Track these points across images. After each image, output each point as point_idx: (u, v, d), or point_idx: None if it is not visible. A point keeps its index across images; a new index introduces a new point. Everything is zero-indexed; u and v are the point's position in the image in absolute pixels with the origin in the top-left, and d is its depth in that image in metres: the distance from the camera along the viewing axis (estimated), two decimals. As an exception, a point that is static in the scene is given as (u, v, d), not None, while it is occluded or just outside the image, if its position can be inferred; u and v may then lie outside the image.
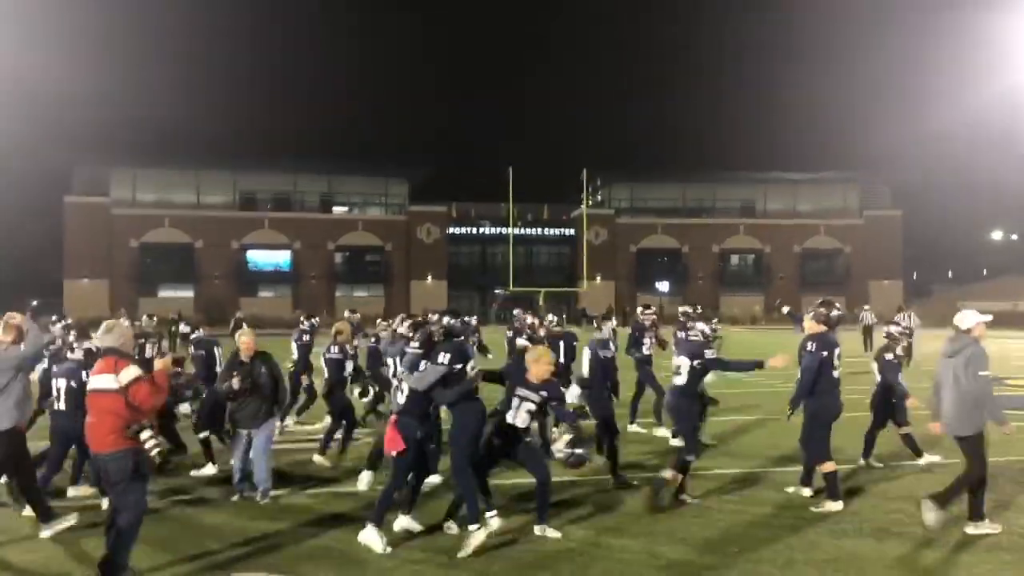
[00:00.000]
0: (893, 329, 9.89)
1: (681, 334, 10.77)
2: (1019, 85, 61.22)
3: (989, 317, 6.79)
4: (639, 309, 12.16)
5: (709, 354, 7.80)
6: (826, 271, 64.93)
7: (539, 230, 65.68)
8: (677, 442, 8.99)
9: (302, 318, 13.46)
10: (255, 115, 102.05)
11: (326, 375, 9.85)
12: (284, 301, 57.53)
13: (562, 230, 65.34)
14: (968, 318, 6.70)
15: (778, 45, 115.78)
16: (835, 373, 7.43)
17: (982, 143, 69.28)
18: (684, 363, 7.68)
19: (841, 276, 63.99)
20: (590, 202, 68.85)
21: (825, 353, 7.35)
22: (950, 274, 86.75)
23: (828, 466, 7.30)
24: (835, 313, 7.72)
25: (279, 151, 78.20)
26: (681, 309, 12.19)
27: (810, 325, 7.65)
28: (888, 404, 9.16)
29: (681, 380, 7.66)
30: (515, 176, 54.27)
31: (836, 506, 7.20)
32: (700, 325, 9.41)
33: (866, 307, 31.38)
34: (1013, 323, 43.80)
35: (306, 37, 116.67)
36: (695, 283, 62.93)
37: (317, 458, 9.28)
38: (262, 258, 60.30)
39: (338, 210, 62.77)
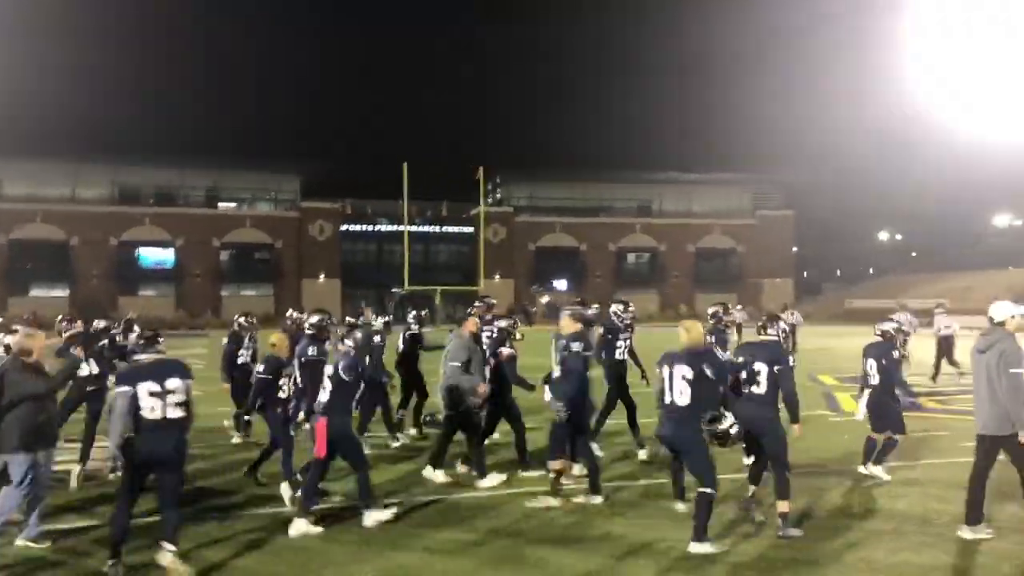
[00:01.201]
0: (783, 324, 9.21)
1: (710, 337, 8.87)
2: (907, 91, 65.20)
3: (1022, 309, 6.33)
4: (615, 307, 9.92)
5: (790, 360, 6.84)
6: (720, 270, 67.37)
7: (438, 228, 65.84)
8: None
9: (238, 318, 11.49)
10: (137, 105, 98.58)
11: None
12: (167, 300, 55.96)
13: (461, 228, 65.66)
14: (1002, 309, 6.27)
15: (674, 50, 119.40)
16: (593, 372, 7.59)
17: (871, 147, 73.41)
18: (763, 369, 6.64)
19: (735, 275, 66.53)
20: (490, 200, 69.64)
21: (589, 353, 7.35)
22: (839, 273, 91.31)
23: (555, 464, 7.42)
24: (592, 311, 7.96)
25: (163, 144, 76.04)
26: (711, 310, 9.83)
27: (567, 323, 7.55)
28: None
29: (760, 390, 6.63)
30: (414, 174, 54.38)
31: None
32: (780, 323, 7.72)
33: (739, 306, 33.27)
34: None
35: (190, 24, 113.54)
36: (593, 281, 64.28)
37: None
38: (143, 255, 58.53)
39: (225, 206, 61.37)
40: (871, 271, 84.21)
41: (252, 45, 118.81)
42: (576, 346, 7.49)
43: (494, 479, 8.23)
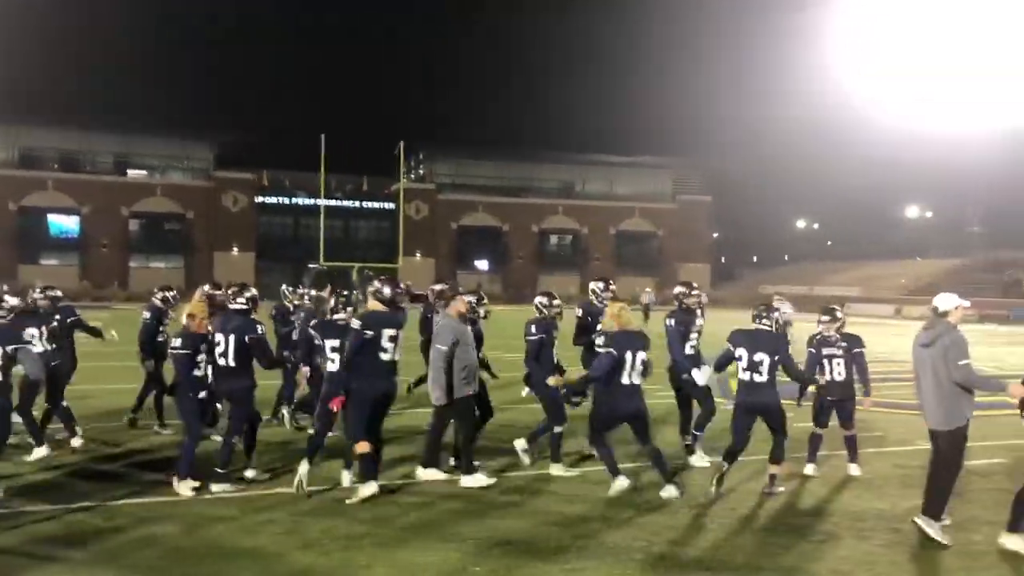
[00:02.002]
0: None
1: (670, 320, 8.53)
2: (828, 83, 67.41)
3: (967, 303, 6.38)
4: (596, 285, 8.95)
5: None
6: (640, 253, 68.72)
7: (358, 203, 65.29)
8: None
9: (162, 292, 10.33)
10: (40, 65, 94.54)
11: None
12: (70, 270, 54.22)
13: (382, 204, 65.26)
14: (946, 300, 6.23)
15: (600, 34, 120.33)
16: (384, 356, 7.06)
17: (792, 137, 75.45)
18: (765, 359, 7.04)
19: (654, 258, 67.95)
20: (413, 177, 69.41)
21: (371, 333, 6.97)
22: (755, 259, 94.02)
23: (363, 446, 6.87)
24: (387, 290, 7.19)
25: (70, 106, 73.29)
26: (677, 290, 8.89)
27: (372, 304, 7.31)
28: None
29: (763, 378, 7.06)
30: (334, 146, 53.97)
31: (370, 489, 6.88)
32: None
33: (648, 289, 34.19)
34: (809, 306, 48.60)
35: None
36: (515, 262, 64.88)
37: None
38: (45, 222, 56.58)
39: (134, 173, 59.68)
40: (786, 257, 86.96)
41: (168, 4, 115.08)
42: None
43: (481, 479, 7.39)
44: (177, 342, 7.33)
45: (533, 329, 7.95)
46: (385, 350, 7.07)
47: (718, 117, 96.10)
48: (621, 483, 7.04)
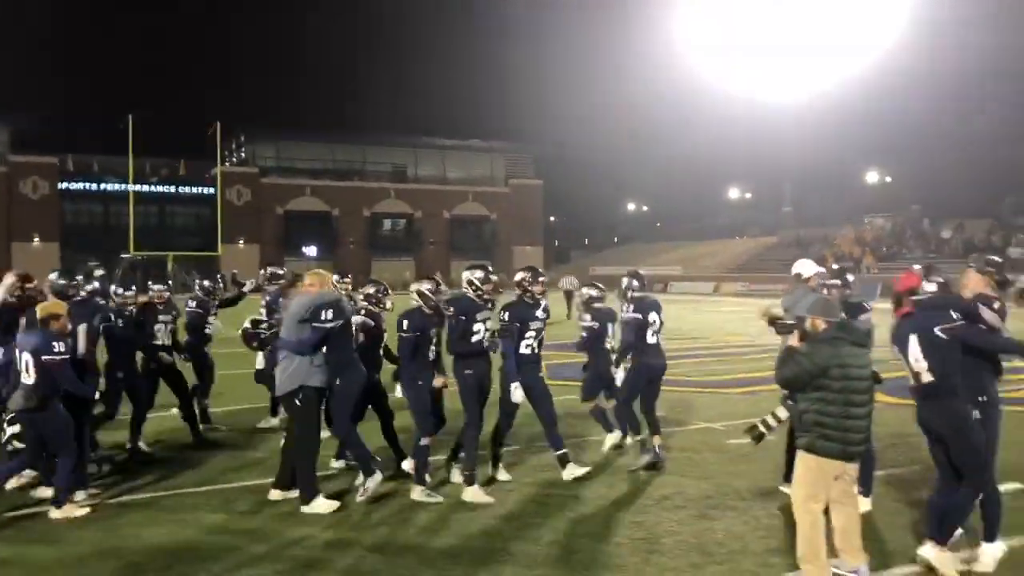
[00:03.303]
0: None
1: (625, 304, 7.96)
2: (657, 68, 70.27)
3: (822, 269, 6.96)
4: (474, 275, 7.23)
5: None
6: (475, 237, 69.46)
7: (174, 188, 62.61)
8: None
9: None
10: None
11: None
12: None
13: (201, 189, 62.86)
14: (807, 266, 6.85)
15: (431, 14, 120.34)
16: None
17: (622, 121, 78.29)
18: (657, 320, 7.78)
19: (488, 242, 68.88)
20: (235, 160, 67.29)
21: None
22: (587, 241, 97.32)
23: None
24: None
25: None
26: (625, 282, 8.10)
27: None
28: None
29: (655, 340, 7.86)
30: (148, 128, 51.46)
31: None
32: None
33: (569, 276, 34.74)
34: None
35: None
36: (345, 248, 64.19)
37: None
38: None
39: (-86, 159, 54.97)
40: (616, 240, 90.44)
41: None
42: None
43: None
44: (60, 347, 6.34)
45: (406, 324, 6.83)
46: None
47: (552, 100, 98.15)
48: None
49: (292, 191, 63.95)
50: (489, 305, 7.06)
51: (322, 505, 6.36)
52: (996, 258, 5.80)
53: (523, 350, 6.99)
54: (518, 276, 7.16)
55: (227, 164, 64.28)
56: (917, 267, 5.35)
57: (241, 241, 59.68)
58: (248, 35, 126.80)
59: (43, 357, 6.22)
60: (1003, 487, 6.68)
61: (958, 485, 5.00)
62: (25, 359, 6.27)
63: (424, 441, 6.78)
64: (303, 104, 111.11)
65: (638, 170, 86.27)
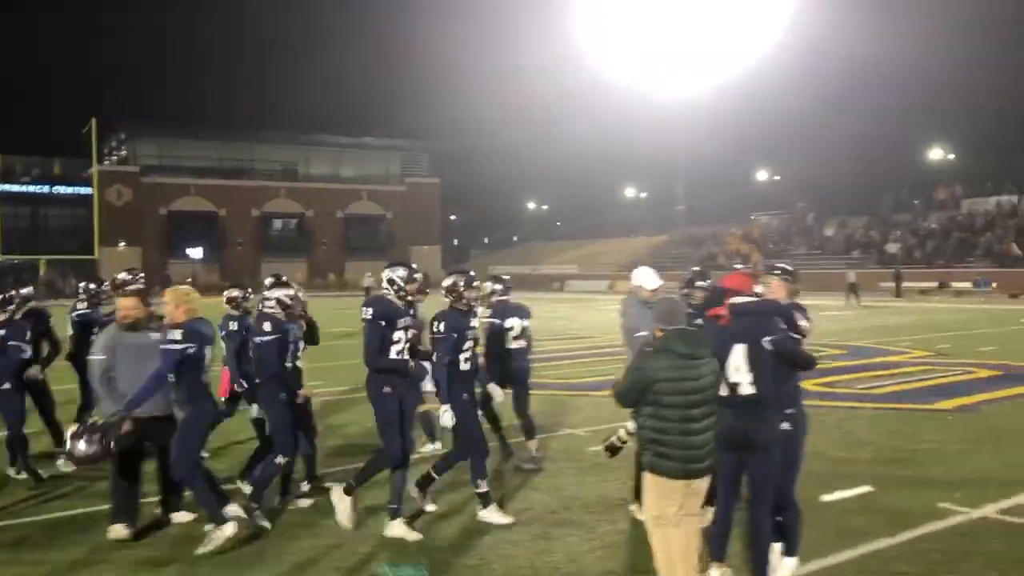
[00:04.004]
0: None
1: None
2: (557, 68, 70.51)
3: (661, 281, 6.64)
4: (396, 274, 6.30)
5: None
6: (370, 237, 68.30)
7: (48, 188, 59.63)
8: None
9: None
10: None
11: None
12: None
13: (77, 188, 60.01)
14: (644, 276, 6.67)
15: (323, 8, 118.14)
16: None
17: (522, 120, 78.42)
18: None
19: (384, 242, 67.86)
20: (115, 158, 64.46)
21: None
22: (487, 240, 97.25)
23: None
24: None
25: None
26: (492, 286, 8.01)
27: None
28: None
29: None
30: (18, 125, 48.87)
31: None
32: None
33: (368, 273, 34.25)
34: (535, 285, 51.34)
35: None
36: (234, 248, 62.27)
37: None
38: None
39: None
40: (515, 239, 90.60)
41: None
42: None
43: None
44: None
45: (267, 327, 6.27)
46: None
47: (450, 98, 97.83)
48: None
49: (176, 191, 61.60)
50: (411, 311, 6.21)
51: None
52: (788, 266, 5.42)
53: (463, 365, 6.21)
54: (449, 281, 6.30)
55: (106, 162, 61.54)
56: (740, 267, 5.04)
57: (122, 244, 57.15)
58: (128, 25, 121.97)
59: None
60: (854, 490, 6.66)
61: (737, 503, 4.76)
62: None
63: (279, 460, 6.17)
64: (188, 100, 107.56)
65: (538, 169, 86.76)
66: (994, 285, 36.79)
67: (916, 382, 12.25)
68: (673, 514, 4.25)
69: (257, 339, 6.30)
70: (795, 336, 4.79)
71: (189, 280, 51.56)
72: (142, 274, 8.21)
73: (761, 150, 64.96)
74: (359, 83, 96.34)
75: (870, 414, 9.89)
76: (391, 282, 6.03)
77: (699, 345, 4.28)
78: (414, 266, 6.25)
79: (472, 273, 6.46)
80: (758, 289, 4.79)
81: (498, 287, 7.77)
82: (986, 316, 25.37)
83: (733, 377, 4.52)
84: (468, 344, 6.23)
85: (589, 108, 65.64)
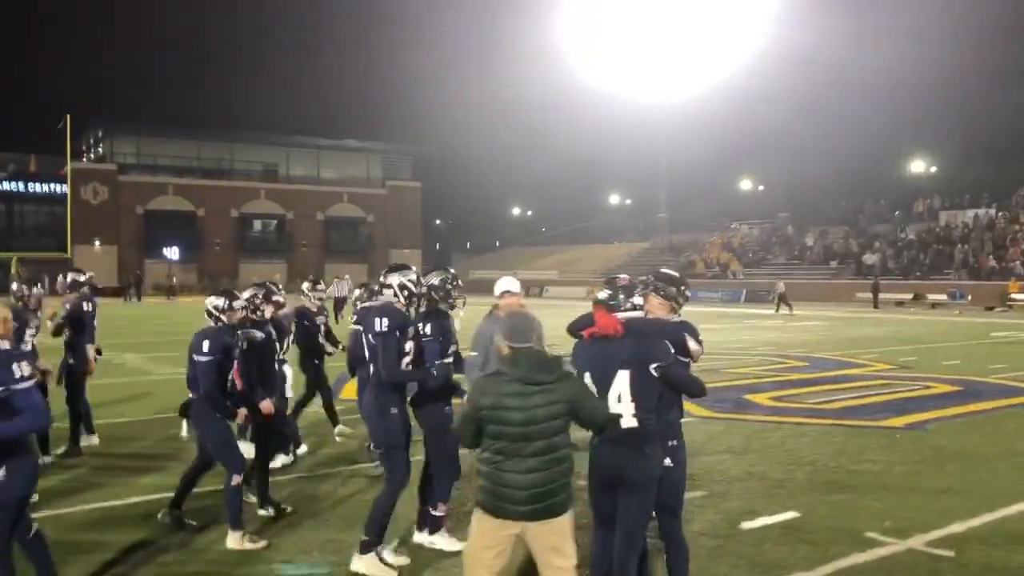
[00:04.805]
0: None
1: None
2: (541, 73, 70.30)
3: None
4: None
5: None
6: (350, 239, 67.85)
7: (23, 185, 58.87)
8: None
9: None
10: None
11: None
12: None
13: (53, 186, 59.25)
14: (508, 285, 6.46)
15: (308, 8, 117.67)
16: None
17: (507, 126, 78.24)
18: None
19: (364, 245, 67.41)
20: (93, 156, 63.75)
21: None
22: (469, 245, 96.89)
23: None
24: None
25: None
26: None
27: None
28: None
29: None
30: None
31: None
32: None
33: (347, 276, 33.78)
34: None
35: None
36: (211, 249, 61.62)
37: None
38: None
39: None
40: (497, 244, 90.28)
41: None
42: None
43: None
44: None
45: (207, 346, 5.76)
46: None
47: (434, 101, 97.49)
48: None
49: (154, 190, 60.93)
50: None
51: None
52: (668, 278, 4.66)
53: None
54: (435, 279, 5.64)
55: (83, 160, 60.84)
56: (624, 276, 4.35)
57: (97, 242, 56.46)
58: (107, 22, 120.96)
59: None
60: (779, 516, 6.23)
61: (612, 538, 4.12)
62: None
63: (235, 480, 5.66)
64: (167, 98, 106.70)
65: (522, 174, 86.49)
66: (969, 297, 36.65)
67: (871, 396, 11.87)
68: (496, 554, 3.66)
69: (196, 357, 5.77)
70: (683, 360, 4.31)
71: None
72: None
73: (745, 160, 64.94)
74: (342, 85, 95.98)
75: (818, 431, 9.48)
76: (403, 287, 5.44)
77: (543, 371, 3.64)
78: (452, 271, 5.76)
79: (453, 270, 5.84)
80: (638, 300, 4.31)
81: (364, 293, 7.70)
82: (958, 329, 25.09)
83: (615, 408, 3.97)
84: (453, 348, 5.64)
85: (573, 115, 65.52)
